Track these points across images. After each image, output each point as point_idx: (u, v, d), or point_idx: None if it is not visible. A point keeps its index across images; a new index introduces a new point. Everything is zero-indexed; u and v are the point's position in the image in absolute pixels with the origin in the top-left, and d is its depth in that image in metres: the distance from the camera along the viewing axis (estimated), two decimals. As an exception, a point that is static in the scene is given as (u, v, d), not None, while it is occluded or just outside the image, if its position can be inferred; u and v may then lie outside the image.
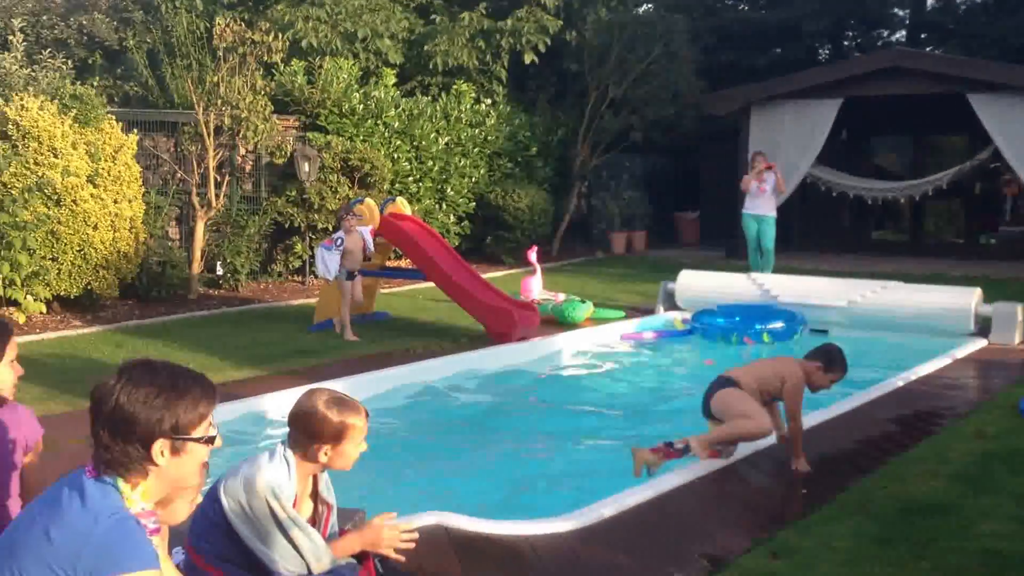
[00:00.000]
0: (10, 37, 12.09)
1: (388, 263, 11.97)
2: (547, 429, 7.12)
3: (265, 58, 12.31)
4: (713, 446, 5.54)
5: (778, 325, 9.87)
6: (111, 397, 2.34)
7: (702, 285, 11.32)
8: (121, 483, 2.35)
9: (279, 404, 6.63)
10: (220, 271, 12.71)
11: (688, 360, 9.69)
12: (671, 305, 11.33)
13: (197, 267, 12.21)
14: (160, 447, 2.35)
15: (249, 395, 7.03)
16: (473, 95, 16.81)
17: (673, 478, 5.42)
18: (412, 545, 3.41)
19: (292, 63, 14.54)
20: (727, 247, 17.26)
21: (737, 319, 10.00)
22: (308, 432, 3.28)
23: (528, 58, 17.42)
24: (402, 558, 3.43)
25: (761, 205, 13.46)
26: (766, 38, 21.66)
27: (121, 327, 10.16)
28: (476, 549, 4.49)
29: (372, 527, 3.41)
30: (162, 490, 2.42)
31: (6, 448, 3.19)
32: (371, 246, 10.23)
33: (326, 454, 3.28)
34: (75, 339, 9.50)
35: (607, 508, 4.96)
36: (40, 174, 10.35)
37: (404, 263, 13.10)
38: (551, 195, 17.61)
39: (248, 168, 13.62)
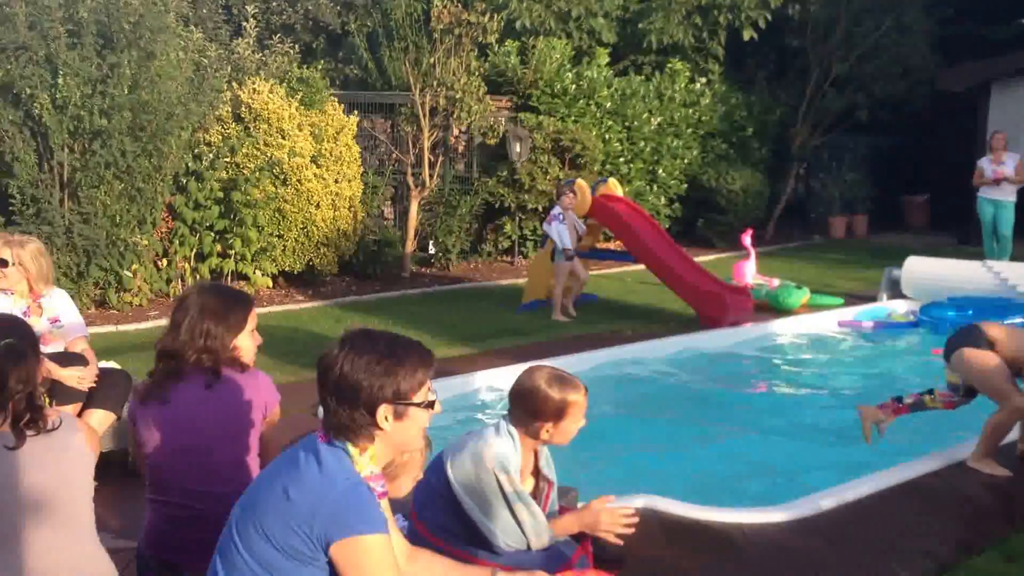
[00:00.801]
0: (244, 24, 12.73)
1: (598, 245, 11.88)
2: (758, 416, 6.91)
3: (480, 39, 12.43)
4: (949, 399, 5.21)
5: (1017, 320, 9.12)
6: (336, 366, 2.45)
7: (931, 272, 10.60)
8: (351, 447, 2.46)
9: (491, 381, 6.71)
10: (432, 250, 13.00)
11: (913, 350, 9.11)
12: (895, 293, 10.70)
13: (411, 246, 12.53)
14: (384, 412, 2.45)
15: (460, 372, 7.12)
16: (688, 74, 16.44)
17: (897, 473, 5.10)
18: (630, 531, 3.38)
19: (506, 43, 14.65)
20: (959, 233, 16.19)
21: (970, 312, 9.29)
22: (530, 410, 3.33)
23: (747, 34, 16.86)
24: (620, 542, 3.43)
25: (1000, 190, 12.52)
26: (1010, 8, 20.09)
27: (339, 302, 10.55)
28: (686, 534, 4.41)
29: (591, 510, 3.43)
30: (388, 454, 2.53)
31: (246, 410, 3.34)
32: (582, 227, 10.17)
33: (548, 431, 3.33)
34: (298, 313, 9.93)
35: (826, 500, 4.75)
36: (269, 155, 10.86)
37: (613, 245, 12.98)
38: (767, 177, 17.03)
39: (461, 149, 13.84)
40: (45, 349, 4.51)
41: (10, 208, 9.10)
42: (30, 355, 2.91)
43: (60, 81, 8.90)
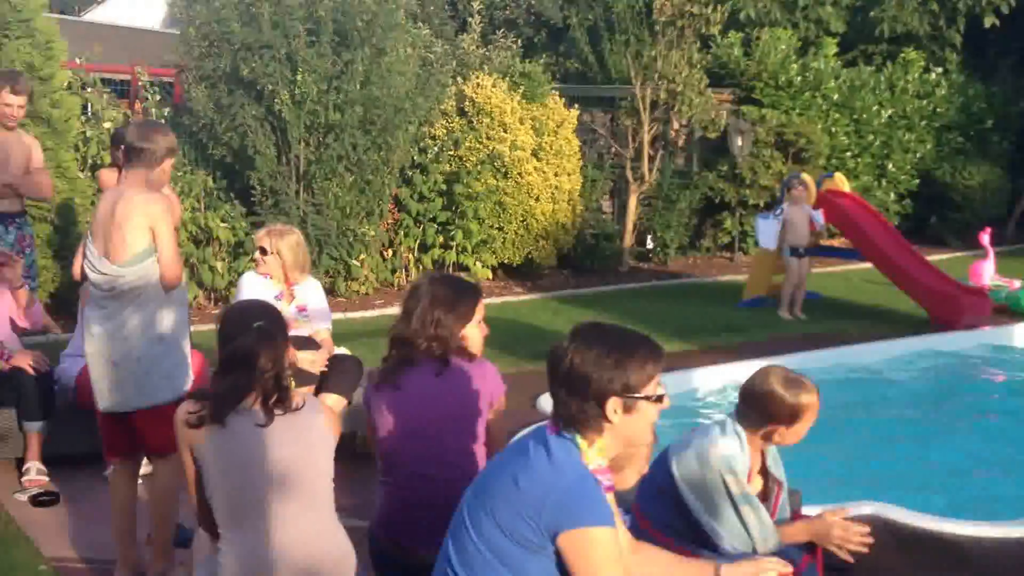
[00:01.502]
0: (468, 19, 12.99)
1: (822, 242, 11.44)
2: (993, 427, 6.50)
3: (702, 31, 12.18)
4: None
5: None
6: (566, 358, 2.48)
7: None
8: (579, 439, 2.47)
9: (712, 378, 6.59)
10: (650, 244, 12.87)
11: None
12: None
13: (629, 240, 12.44)
14: (613, 405, 2.45)
15: (680, 368, 7.00)
16: (922, 64, 15.56)
17: None
18: (864, 549, 3.21)
19: (729, 35, 14.30)
20: None
21: None
22: (762, 411, 3.25)
23: (988, 21, 15.79)
24: (850, 559, 3.28)
25: None
26: None
27: (557, 295, 10.61)
28: (917, 545, 4.20)
29: (823, 521, 3.32)
30: (616, 447, 2.52)
31: (473, 398, 3.38)
32: (820, 220, 9.76)
33: (780, 434, 3.25)
34: (516, 305, 10.05)
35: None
36: (491, 148, 11.03)
37: (838, 242, 12.47)
38: (1007, 172, 15.90)
39: (681, 142, 13.62)
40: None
41: (251, 199, 9.63)
42: (279, 338, 3.05)
43: (299, 77, 9.34)
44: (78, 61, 9.47)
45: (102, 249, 3.77)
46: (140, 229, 3.71)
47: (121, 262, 3.73)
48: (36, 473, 4.88)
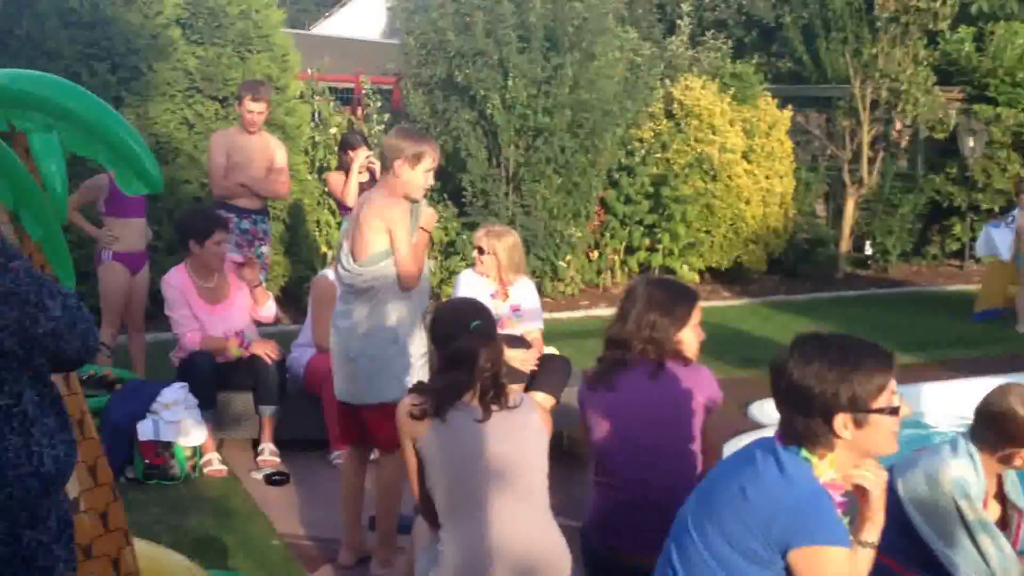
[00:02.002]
0: (677, 21, 12.90)
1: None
2: None
3: (929, 26, 11.62)
4: None
5: None
6: (786, 373, 2.36)
7: None
8: (806, 453, 2.36)
9: (943, 394, 6.27)
10: (869, 251, 12.37)
11: None
12: None
13: (845, 245, 12.02)
14: (842, 421, 2.32)
15: (907, 382, 6.70)
16: None
17: None
18: None
19: (959, 30, 13.56)
20: None
21: None
22: (1003, 433, 3.06)
23: None
24: None
25: None
26: None
27: (767, 301, 10.38)
28: None
29: None
30: (852, 461, 2.39)
31: (688, 403, 3.36)
32: None
33: (1020, 456, 3.04)
34: (724, 310, 9.90)
35: None
36: (699, 150, 10.92)
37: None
38: None
39: (904, 143, 13.02)
40: (500, 332, 4.86)
41: (462, 200, 9.92)
42: (496, 337, 3.16)
43: (510, 83, 9.56)
44: (309, 72, 10.04)
45: (349, 249, 3.98)
46: (378, 231, 3.85)
47: (361, 261, 3.92)
48: (269, 454, 5.22)
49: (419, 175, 3.91)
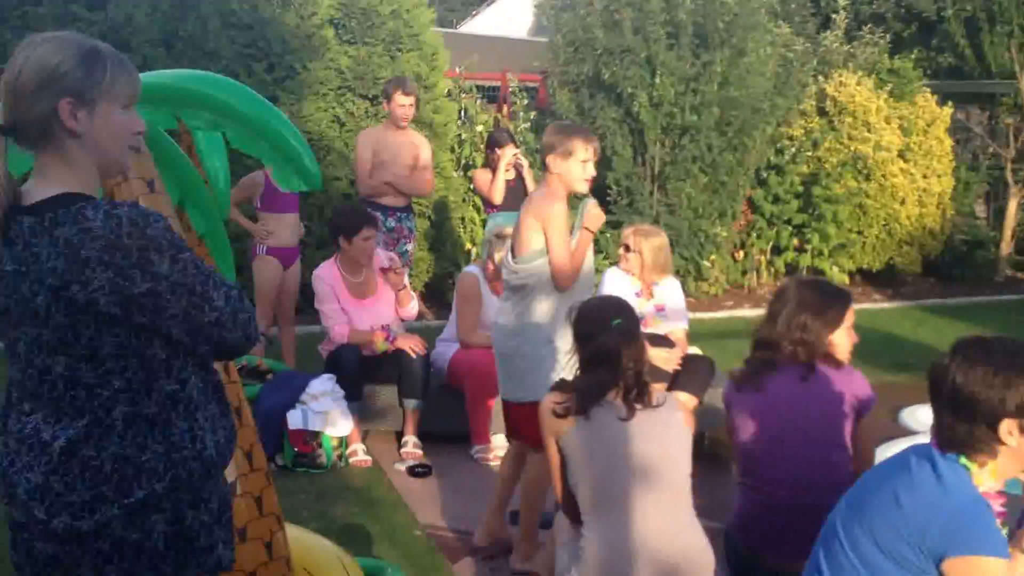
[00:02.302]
0: (832, 16, 12.52)
1: None
2: None
3: (1104, 18, 10.97)
4: None
5: None
6: (948, 377, 2.29)
7: None
8: (965, 460, 2.29)
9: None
10: (1033, 253, 11.77)
11: None
12: None
13: (1007, 248, 11.46)
14: (1008, 427, 2.25)
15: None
16: None
17: None
18: None
19: None
20: None
21: None
22: None
23: None
24: None
25: None
26: None
27: (921, 304, 9.98)
28: None
29: None
30: (1015, 469, 2.33)
31: (839, 406, 3.29)
32: None
33: None
34: (875, 312, 9.57)
35: None
36: (853, 148, 10.58)
37: None
38: None
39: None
40: (644, 330, 4.83)
41: (607, 199, 9.88)
42: (638, 335, 3.13)
43: (657, 80, 9.47)
44: (457, 70, 10.17)
45: (511, 246, 4.02)
46: (534, 229, 3.86)
47: (517, 259, 3.94)
48: (412, 446, 5.32)
49: (574, 168, 3.89)
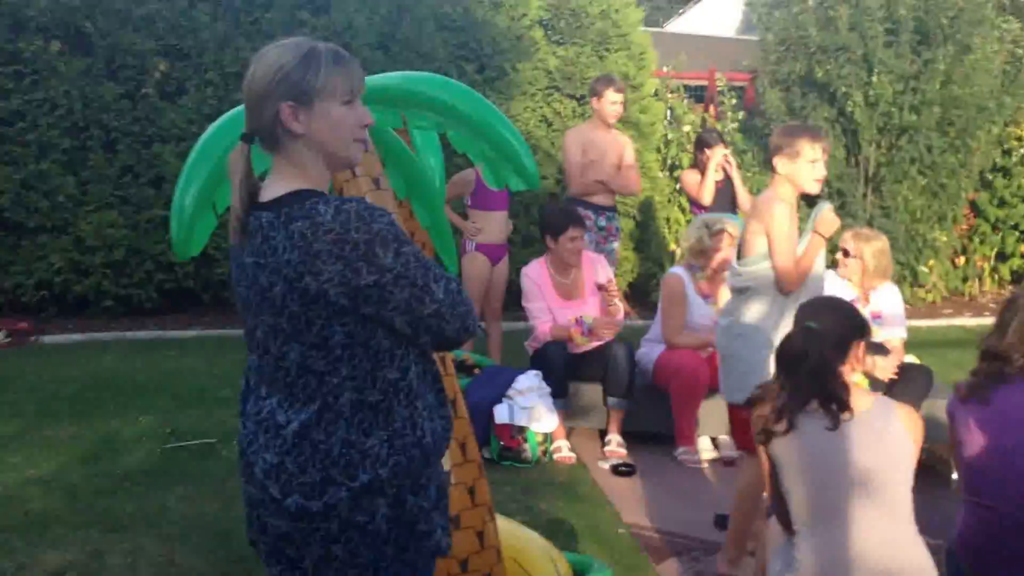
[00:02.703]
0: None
1: None
2: None
3: None
4: None
5: None
6: None
7: None
8: None
9: None
10: None
11: None
12: None
13: None
14: None
15: None
16: None
17: None
18: None
19: None
20: None
21: None
22: None
23: None
24: None
25: None
26: None
27: None
28: None
29: None
30: None
31: None
32: None
33: None
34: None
35: None
36: None
37: None
38: None
39: None
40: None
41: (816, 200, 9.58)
42: (838, 340, 2.96)
43: (874, 79, 9.11)
44: (664, 70, 10.10)
45: (737, 248, 3.98)
46: (757, 232, 3.78)
47: (741, 261, 3.89)
48: (616, 445, 5.32)
49: (803, 169, 3.78)
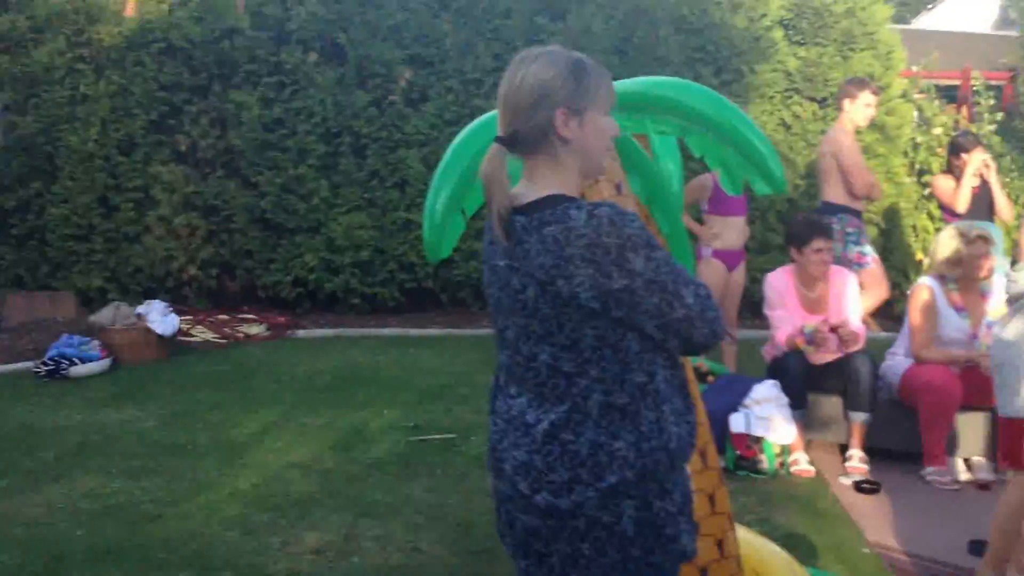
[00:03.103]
0: None
1: None
2: None
3: None
4: None
5: None
6: None
7: None
8: None
9: None
10: None
11: None
12: None
13: None
14: None
15: None
16: None
17: None
18: None
19: None
20: None
21: None
22: None
23: None
24: None
25: None
26: None
27: None
28: None
29: None
30: None
31: None
32: None
33: None
34: None
35: None
36: None
37: None
38: None
39: None
40: None
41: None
42: None
43: None
44: (914, 69, 9.62)
45: (1013, 254, 3.78)
46: None
47: (1017, 266, 3.69)
48: (858, 460, 5.11)
49: None
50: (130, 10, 8.88)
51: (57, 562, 3.91)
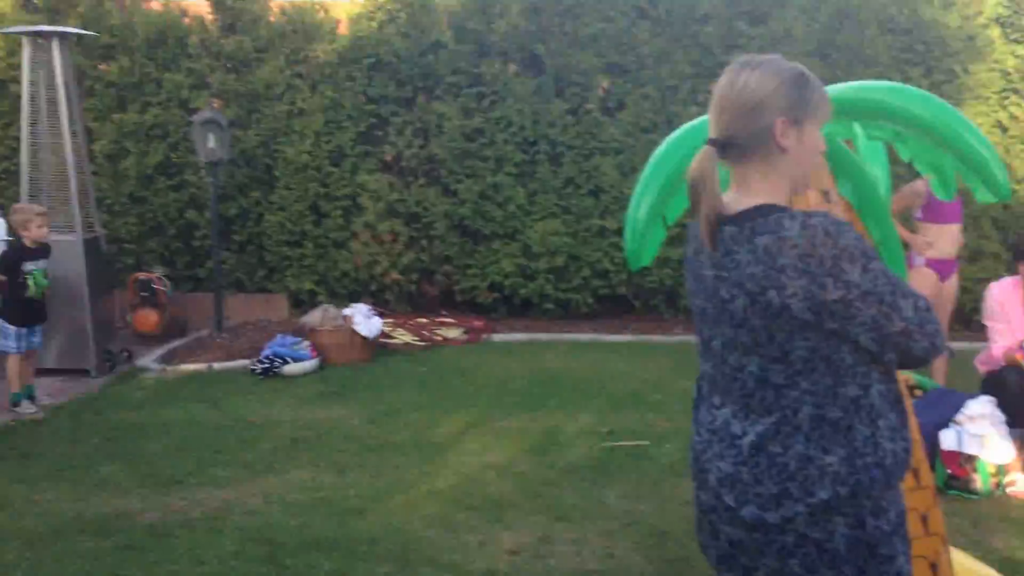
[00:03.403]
0: None
1: None
2: None
3: None
4: None
5: None
6: None
7: None
8: None
9: None
10: None
11: None
12: None
13: None
14: None
15: None
16: None
17: None
18: None
19: None
20: None
21: None
22: None
23: None
24: None
25: None
26: None
27: None
28: None
29: None
30: None
31: None
32: None
33: None
34: None
35: None
36: None
37: None
38: None
39: None
40: None
41: None
42: None
43: None
44: None
45: None
46: None
47: None
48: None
49: None
50: (343, 28, 9.29)
51: (274, 550, 4.15)
